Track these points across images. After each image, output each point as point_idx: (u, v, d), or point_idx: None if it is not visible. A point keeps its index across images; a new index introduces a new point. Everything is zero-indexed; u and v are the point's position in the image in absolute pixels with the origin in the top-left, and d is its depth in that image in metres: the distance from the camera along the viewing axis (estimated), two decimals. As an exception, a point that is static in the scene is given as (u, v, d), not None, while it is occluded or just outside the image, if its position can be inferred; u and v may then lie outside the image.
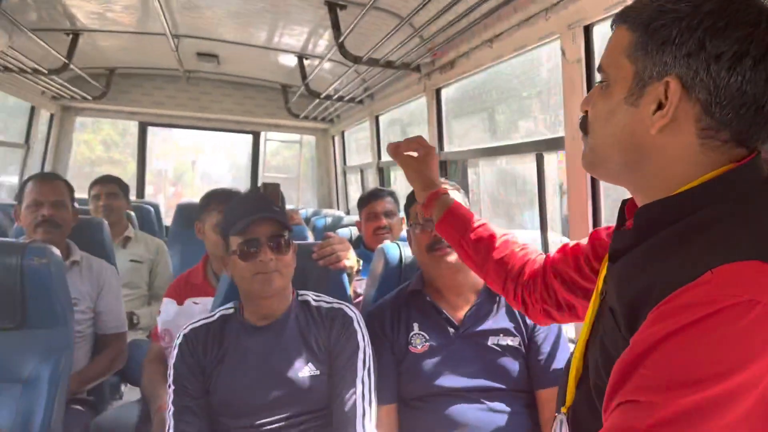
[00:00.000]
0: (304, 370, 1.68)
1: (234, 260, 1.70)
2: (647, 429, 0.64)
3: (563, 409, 0.97)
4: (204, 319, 1.78)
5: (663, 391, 0.65)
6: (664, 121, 0.78)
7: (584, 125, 0.91)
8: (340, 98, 4.40)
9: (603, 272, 0.93)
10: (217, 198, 2.44)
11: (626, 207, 0.92)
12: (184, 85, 5.47)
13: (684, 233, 0.76)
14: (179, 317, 2.17)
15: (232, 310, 1.79)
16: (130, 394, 3.13)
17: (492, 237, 1.38)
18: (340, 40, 2.76)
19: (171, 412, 1.65)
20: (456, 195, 1.91)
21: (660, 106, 0.78)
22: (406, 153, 1.54)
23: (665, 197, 0.80)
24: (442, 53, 2.78)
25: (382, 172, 4.76)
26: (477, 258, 1.39)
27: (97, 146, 12.64)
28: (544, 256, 1.33)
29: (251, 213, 1.70)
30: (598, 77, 0.89)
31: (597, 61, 0.94)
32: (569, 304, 1.22)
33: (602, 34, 1.84)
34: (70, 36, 3.74)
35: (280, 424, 1.66)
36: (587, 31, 1.84)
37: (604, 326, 0.86)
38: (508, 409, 1.77)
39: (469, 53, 2.56)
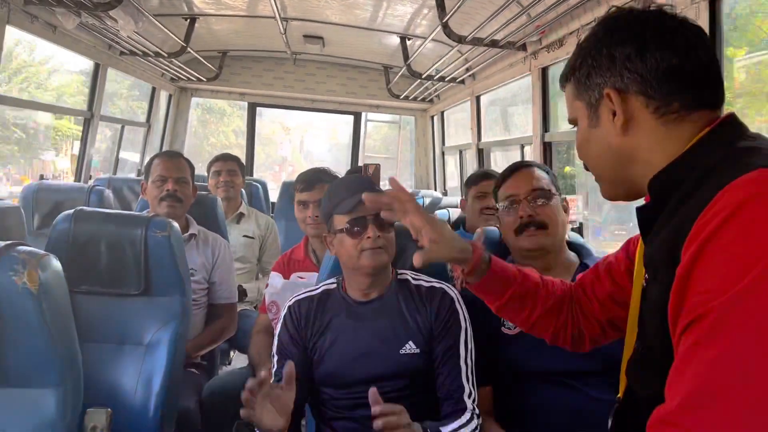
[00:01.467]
0: (405, 347, 1.71)
1: (341, 238, 1.75)
2: (712, 336, 0.71)
3: (619, 396, 1.08)
4: (308, 291, 1.85)
5: (712, 297, 0.71)
6: (621, 120, 0.94)
7: (587, 167, 1.07)
8: (442, 78, 4.38)
9: (639, 258, 1.05)
10: (297, 180, 2.56)
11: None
12: (291, 67, 5.65)
13: (691, 186, 0.85)
14: (285, 290, 2.26)
15: (334, 285, 1.85)
16: (238, 360, 3.33)
17: (536, 287, 1.33)
18: (445, 20, 2.74)
19: (274, 381, 1.74)
20: (543, 175, 1.88)
21: (614, 115, 0.94)
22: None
23: (665, 167, 0.92)
24: (550, 30, 2.69)
25: (482, 153, 4.70)
26: (521, 315, 1.35)
27: (230, 135, 13.57)
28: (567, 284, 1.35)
29: (356, 192, 1.74)
30: None
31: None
32: (612, 323, 1.27)
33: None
34: (188, 20, 3.96)
35: (382, 397, 1.70)
36: (713, 5, 1.72)
37: (651, 296, 0.94)
38: (606, 396, 1.71)
39: (579, 31, 2.46)
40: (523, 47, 3.06)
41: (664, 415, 0.74)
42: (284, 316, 1.82)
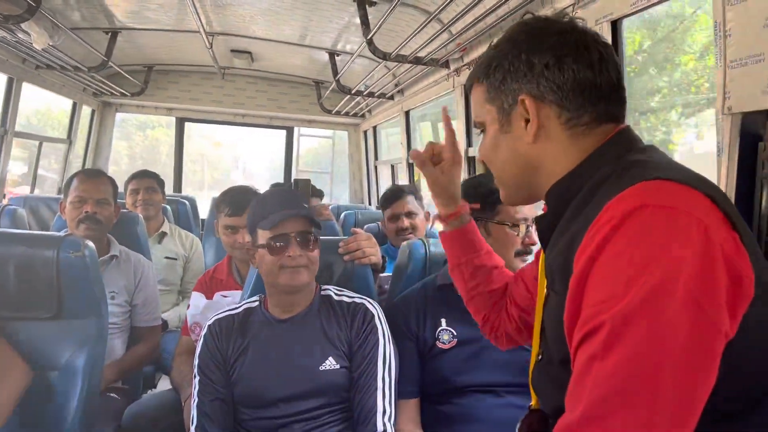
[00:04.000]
0: (325, 364, 1.70)
1: (261, 254, 1.73)
2: (602, 348, 0.72)
3: (531, 405, 1.11)
4: (229, 310, 1.82)
5: (604, 310, 0.73)
6: (534, 128, 0.95)
7: (488, 170, 1.08)
8: (371, 94, 4.42)
9: (541, 266, 1.07)
10: (224, 203, 2.49)
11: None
12: (219, 82, 5.56)
13: (584, 196, 0.89)
14: (208, 310, 2.21)
15: (256, 303, 1.83)
16: (165, 383, 3.22)
17: (493, 269, 1.38)
18: (369, 37, 2.78)
19: (195, 403, 1.69)
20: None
21: (527, 122, 0.95)
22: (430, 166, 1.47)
23: (562, 177, 0.95)
24: (471, 48, 2.76)
25: (412, 168, 4.75)
26: (470, 284, 1.39)
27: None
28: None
29: (281, 208, 1.73)
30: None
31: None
32: (525, 322, 1.31)
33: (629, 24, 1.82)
34: (109, 34, 3.84)
35: (303, 415, 1.68)
36: (614, 25, 1.81)
37: (550, 306, 0.97)
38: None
39: (498, 49, 2.54)
40: (446, 64, 3.13)
41: (566, 427, 0.75)
42: (204, 335, 1.78)
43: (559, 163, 0.95)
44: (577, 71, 0.92)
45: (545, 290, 1.03)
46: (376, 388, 1.68)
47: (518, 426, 1.13)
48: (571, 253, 0.83)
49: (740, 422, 0.79)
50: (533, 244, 1.78)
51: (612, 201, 0.79)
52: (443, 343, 1.81)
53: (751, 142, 1.22)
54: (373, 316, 1.76)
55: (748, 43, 1.19)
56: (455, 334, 1.80)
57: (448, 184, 1.38)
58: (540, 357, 1.05)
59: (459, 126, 3.26)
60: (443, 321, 1.83)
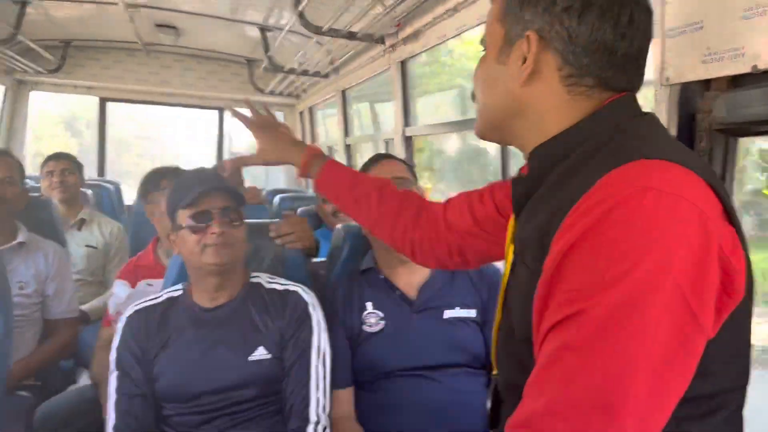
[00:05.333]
0: (255, 354, 1.62)
1: (182, 235, 1.62)
2: (582, 340, 0.67)
3: (494, 374, 1.01)
4: (149, 300, 1.71)
5: (585, 297, 0.67)
6: (527, 71, 0.84)
7: (473, 95, 0.98)
8: (305, 72, 4.29)
9: (510, 231, 0.97)
10: (167, 175, 2.33)
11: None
12: (143, 59, 5.29)
13: (573, 164, 0.81)
14: (132, 300, 2.07)
15: (180, 292, 1.72)
16: (86, 378, 3.04)
17: (380, 187, 1.32)
18: (300, 8, 2.66)
19: (113, 400, 1.58)
20: (402, 166, 1.88)
21: (525, 61, 0.85)
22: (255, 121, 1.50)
23: (552, 137, 0.85)
24: (406, 23, 2.68)
25: (350, 150, 4.66)
26: (368, 212, 1.32)
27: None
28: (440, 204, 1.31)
29: (200, 184, 1.62)
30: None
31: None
32: (459, 248, 1.23)
33: None
34: (18, 4, 3.55)
35: (231, 409, 1.59)
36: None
37: (518, 278, 0.88)
38: (466, 387, 1.74)
39: (434, 23, 2.47)
40: (382, 40, 3.04)
41: (528, 417, 0.69)
42: (122, 328, 1.66)
43: (549, 117, 0.86)
44: (596, 28, 0.80)
45: (512, 256, 0.93)
46: (309, 379, 1.61)
47: (489, 399, 1.06)
48: (550, 230, 0.75)
49: (699, 425, 0.75)
50: None
51: (606, 177, 0.72)
52: (370, 326, 1.77)
53: (689, 115, 1.19)
54: (306, 304, 1.69)
55: (687, 10, 1.15)
56: (382, 316, 1.77)
57: (275, 145, 1.42)
58: (501, 327, 0.96)
59: (396, 105, 3.18)
60: (369, 305, 1.79)
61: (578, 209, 0.72)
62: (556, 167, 0.83)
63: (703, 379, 0.71)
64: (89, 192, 3.77)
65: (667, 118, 1.22)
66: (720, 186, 0.74)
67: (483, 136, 1.00)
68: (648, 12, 0.84)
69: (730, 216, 0.73)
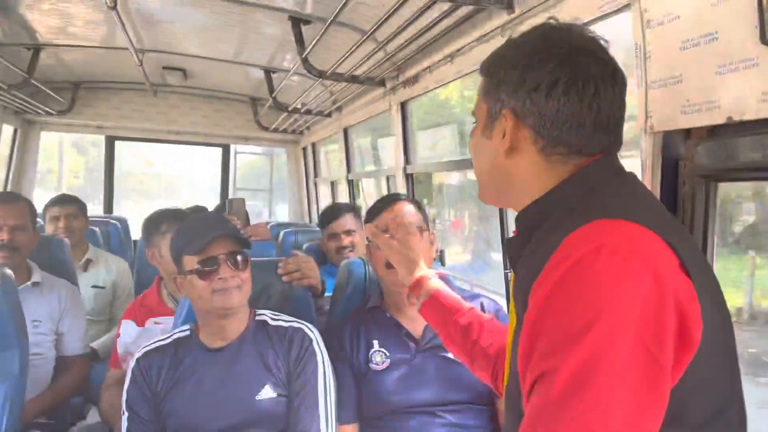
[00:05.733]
0: (261, 393, 1.66)
1: (191, 280, 1.68)
2: (558, 394, 0.71)
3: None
4: (158, 342, 1.76)
5: (556, 353, 0.72)
6: (505, 147, 0.93)
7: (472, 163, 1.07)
8: (308, 111, 4.39)
9: (512, 288, 1.03)
10: (167, 219, 2.39)
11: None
12: (151, 99, 5.41)
13: (550, 226, 0.88)
14: (141, 339, 2.12)
15: (187, 332, 1.77)
16: (94, 415, 3.06)
17: (481, 322, 1.32)
18: (304, 55, 2.76)
19: None
20: (413, 209, 1.92)
21: (504, 136, 0.93)
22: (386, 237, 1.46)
23: (533, 202, 0.93)
24: (407, 67, 2.78)
25: (352, 185, 4.74)
26: (465, 345, 1.31)
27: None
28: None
29: (207, 231, 1.69)
30: None
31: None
32: None
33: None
34: (31, 51, 3.67)
35: None
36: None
37: (517, 332, 0.92)
38: (471, 422, 1.77)
39: (432, 68, 2.57)
40: (383, 83, 3.14)
41: None
42: (132, 369, 1.71)
43: (529, 184, 0.94)
44: (562, 103, 0.88)
45: (515, 316, 1.00)
46: (318, 416, 1.65)
47: None
48: (529, 285, 0.82)
49: None
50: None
51: (569, 236, 0.79)
52: (377, 364, 1.80)
53: (673, 161, 1.26)
54: (311, 341, 1.73)
55: (667, 64, 1.23)
56: (388, 355, 1.81)
57: (408, 252, 1.39)
58: (508, 383, 1.02)
59: (396, 144, 3.27)
60: (375, 343, 1.83)
61: (547, 267, 0.78)
62: (538, 228, 0.91)
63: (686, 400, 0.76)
64: (97, 230, 3.84)
65: (651, 164, 1.29)
66: (678, 243, 0.79)
67: (483, 200, 1.08)
68: (614, 81, 0.91)
69: (689, 271, 0.77)
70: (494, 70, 0.96)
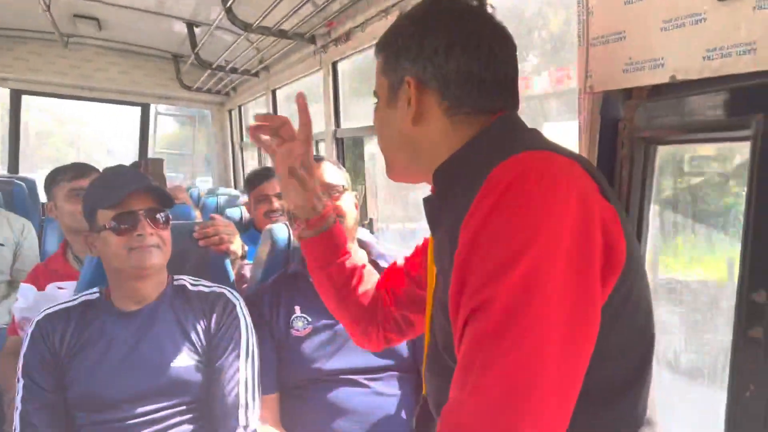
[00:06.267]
0: (178, 360, 1.55)
1: (105, 236, 1.54)
2: (492, 326, 0.70)
3: (424, 393, 1.06)
4: (62, 304, 1.62)
5: (490, 283, 0.72)
6: (411, 113, 0.94)
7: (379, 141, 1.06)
8: (234, 70, 4.20)
9: (430, 254, 1.05)
10: (67, 170, 2.30)
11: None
12: (62, 51, 5.03)
13: (467, 174, 0.88)
14: (40, 304, 1.95)
15: (96, 295, 1.64)
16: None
17: (362, 270, 1.27)
18: (228, 5, 2.59)
19: (18, 411, 1.48)
20: (336, 170, 1.84)
21: (410, 102, 0.94)
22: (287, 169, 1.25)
23: (445, 160, 0.94)
24: (338, 23, 2.66)
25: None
26: (342, 290, 1.25)
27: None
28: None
29: (125, 184, 1.55)
30: None
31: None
32: (408, 321, 1.25)
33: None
34: None
35: (149, 417, 1.52)
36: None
37: (438, 289, 0.94)
38: (396, 392, 1.73)
39: (365, 25, 2.46)
40: (313, 40, 3.00)
41: (455, 410, 0.72)
42: (31, 333, 1.56)
43: (438, 148, 0.94)
44: (462, 63, 0.90)
45: (434, 278, 1.00)
46: (238, 381, 1.56)
47: (415, 415, 1.10)
48: (457, 227, 0.80)
49: (605, 410, 0.80)
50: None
51: (495, 169, 0.78)
52: (298, 330, 1.74)
53: (612, 122, 1.22)
54: (234, 306, 1.64)
55: (611, 19, 1.18)
56: (310, 320, 1.74)
57: (307, 185, 1.21)
58: (429, 351, 1.01)
59: (326, 106, 3.15)
60: (297, 308, 1.76)
61: (475, 202, 0.78)
62: (455, 182, 0.92)
63: (606, 361, 0.77)
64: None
65: (590, 125, 1.25)
66: (595, 171, 0.83)
67: (393, 178, 1.06)
68: (506, 41, 0.95)
69: (607, 196, 0.80)
70: (391, 42, 0.98)
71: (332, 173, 1.82)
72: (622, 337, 0.80)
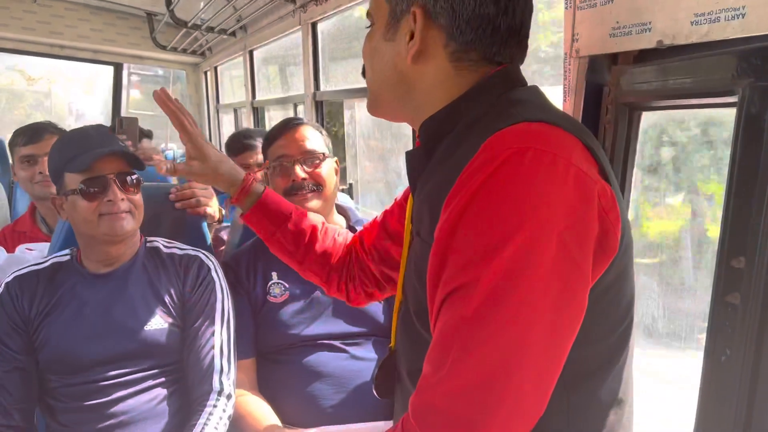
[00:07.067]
0: (151, 322, 1.53)
1: (73, 200, 1.50)
2: (475, 309, 0.67)
3: (391, 346, 1.04)
4: (32, 266, 1.58)
5: (476, 263, 0.68)
6: (414, 49, 0.84)
7: (363, 71, 0.97)
8: (210, 29, 4.07)
9: (408, 210, 1.00)
10: (18, 134, 2.26)
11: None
12: (31, 6, 4.83)
13: (460, 133, 0.83)
14: (9, 266, 1.91)
15: (67, 257, 1.60)
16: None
17: (314, 228, 1.27)
18: (205, -41, 2.49)
19: None
20: (317, 135, 1.81)
21: (412, 37, 0.84)
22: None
23: (439, 110, 0.86)
24: (318, -18, 2.59)
25: (257, 112, 4.50)
26: (297, 252, 1.26)
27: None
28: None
29: (93, 147, 1.50)
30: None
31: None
32: (387, 276, 1.23)
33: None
34: None
35: (122, 379, 1.50)
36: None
37: (414, 251, 0.90)
38: (373, 356, 1.73)
39: (346, -16, 2.39)
40: (292, -1, 2.93)
41: (430, 392, 0.70)
42: (0, 295, 1.52)
43: (436, 92, 0.86)
44: (479, 2, 0.81)
45: (410, 236, 0.95)
46: (213, 346, 1.55)
47: (378, 364, 1.07)
48: (441, 197, 0.75)
49: (576, 391, 0.78)
50: (302, 179, 1.72)
51: (490, 139, 0.73)
52: (275, 296, 1.72)
53: (597, 87, 1.21)
54: (209, 268, 1.62)
55: (599, -18, 1.16)
56: (287, 286, 1.73)
57: (212, 166, 1.25)
58: (401, 309, 0.97)
59: (306, 68, 3.08)
60: (274, 274, 1.74)
61: (464, 174, 0.72)
62: (445, 138, 0.85)
63: (587, 342, 0.75)
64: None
65: (575, 89, 1.23)
66: (596, 147, 0.77)
67: (375, 113, 0.99)
68: None
69: (606, 176, 0.75)
70: None
71: (312, 139, 1.78)
72: (602, 321, 0.78)
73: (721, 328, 0.91)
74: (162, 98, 1.22)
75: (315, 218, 1.30)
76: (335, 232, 1.30)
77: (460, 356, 0.67)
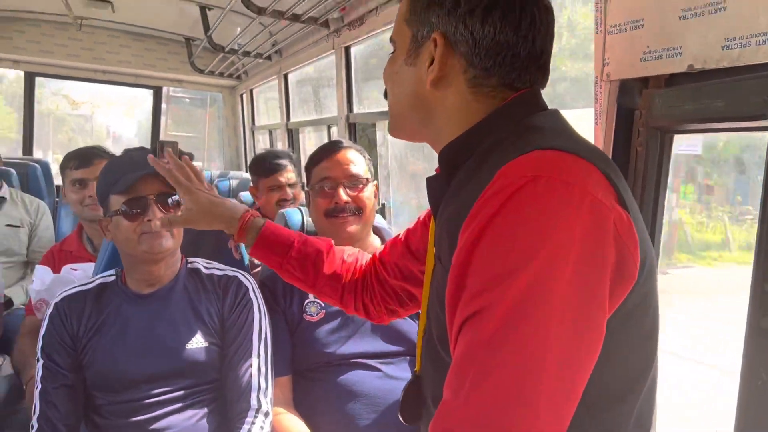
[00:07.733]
0: (192, 342, 1.57)
1: (117, 221, 1.56)
2: (491, 335, 0.67)
3: (416, 371, 1.04)
4: (79, 286, 1.64)
5: (492, 289, 0.68)
6: (433, 75, 0.86)
7: (385, 93, 0.99)
8: (246, 53, 4.17)
9: (431, 230, 1.01)
10: (70, 159, 2.36)
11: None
12: (75, 34, 5.02)
13: (477, 159, 0.83)
14: (56, 286, 1.98)
15: (113, 278, 1.66)
16: (8, 367, 2.89)
17: (319, 252, 1.28)
18: (242, -12, 2.58)
19: (38, 390, 1.51)
20: (360, 159, 1.84)
21: (432, 62, 0.86)
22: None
23: (457, 137, 0.87)
24: (351, 8, 2.64)
25: (291, 134, 4.58)
26: (306, 278, 1.28)
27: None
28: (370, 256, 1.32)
29: (135, 169, 1.56)
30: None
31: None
32: (409, 293, 1.24)
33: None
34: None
35: (163, 397, 1.54)
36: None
37: (436, 277, 0.90)
38: (407, 375, 1.73)
39: (379, 9, 2.44)
40: (326, 24, 2.99)
41: (448, 417, 0.70)
42: (50, 314, 1.59)
43: (453, 119, 0.88)
44: (499, 30, 0.82)
45: (433, 260, 0.96)
46: (251, 364, 1.58)
47: (403, 389, 1.07)
48: (459, 223, 0.76)
49: (595, 418, 0.77)
50: (345, 202, 1.73)
51: (504, 168, 0.73)
52: (311, 315, 1.74)
53: (629, 111, 1.22)
54: (247, 289, 1.65)
55: (629, 7, 1.17)
56: (323, 305, 1.74)
57: (205, 212, 1.29)
58: (425, 332, 0.98)
59: (339, 90, 3.14)
60: (311, 294, 1.76)
61: (480, 201, 0.73)
62: (463, 164, 0.86)
63: (609, 366, 0.74)
64: (12, 171, 3.57)
65: (606, 113, 1.24)
66: (613, 173, 0.76)
67: (395, 135, 1.00)
68: (548, 12, 0.86)
69: (624, 202, 0.75)
70: None
71: (357, 163, 1.80)
72: (624, 346, 0.77)
73: (757, 353, 0.90)
74: (153, 160, 1.30)
75: (319, 242, 1.31)
76: (343, 252, 1.32)
77: (477, 381, 0.68)
